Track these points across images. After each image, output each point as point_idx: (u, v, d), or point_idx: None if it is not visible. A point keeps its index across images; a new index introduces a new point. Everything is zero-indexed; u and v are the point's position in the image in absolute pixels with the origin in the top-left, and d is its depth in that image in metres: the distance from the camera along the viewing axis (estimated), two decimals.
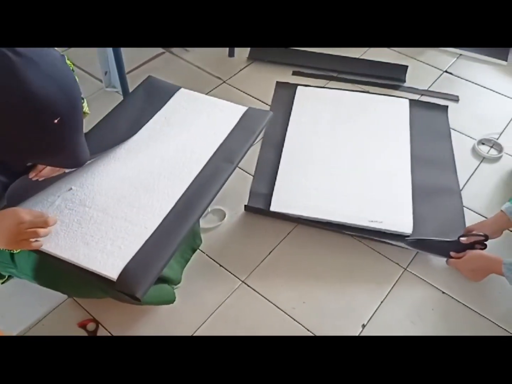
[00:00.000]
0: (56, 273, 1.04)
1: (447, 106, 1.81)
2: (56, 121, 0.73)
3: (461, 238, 1.31)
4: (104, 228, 1.01)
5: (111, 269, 0.94)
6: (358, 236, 1.39)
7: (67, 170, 1.05)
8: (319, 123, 1.68)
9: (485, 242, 1.29)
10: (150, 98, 1.32)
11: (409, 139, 1.64)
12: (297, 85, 1.83)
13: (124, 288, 0.92)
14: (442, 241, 1.35)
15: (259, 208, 1.43)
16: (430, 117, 1.76)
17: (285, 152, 1.58)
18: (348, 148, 1.60)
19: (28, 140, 0.75)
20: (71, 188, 1.08)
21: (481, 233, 1.29)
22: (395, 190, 1.48)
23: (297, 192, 1.45)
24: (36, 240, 0.90)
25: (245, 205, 1.43)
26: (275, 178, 1.49)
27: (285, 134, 1.64)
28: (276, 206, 1.41)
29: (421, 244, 1.36)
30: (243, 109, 1.30)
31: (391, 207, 1.42)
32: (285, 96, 1.79)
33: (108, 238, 0.99)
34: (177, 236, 1.01)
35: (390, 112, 1.74)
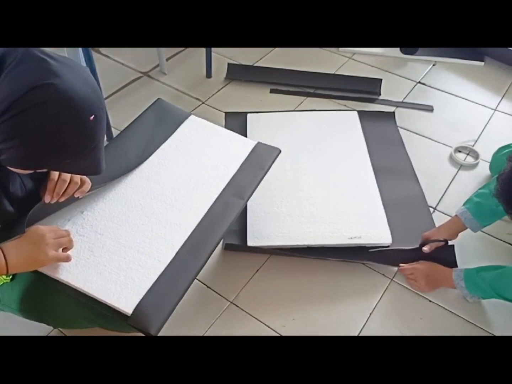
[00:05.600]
0: (42, 304, 1.01)
1: (393, 113, 1.85)
2: (91, 118, 0.76)
3: (424, 248, 1.33)
4: (116, 258, 0.99)
5: (126, 303, 0.92)
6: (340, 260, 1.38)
7: (80, 196, 1.02)
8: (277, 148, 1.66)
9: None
10: (160, 122, 1.30)
11: (367, 150, 1.65)
12: (246, 113, 1.79)
13: (138, 324, 0.91)
14: (406, 249, 1.36)
15: (237, 244, 1.39)
16: (379, 125, 1.79)
17: None
18: (311, 168, 1.58)
19: (66, 137, 0.76)
20: (82, 212, 1.06)
21: (441, 239, 1.32)
22: (366, 203, 1.48)
23: (271, 222, 1.41)
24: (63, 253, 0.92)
25: (225, 244, 1.39)
26: (246, 212, 1.43)
27: None
28: (252, 240, 1.37)
29: (384, 255, 1.37)
30: (252, 143, 1.31)
31: (367, 221, 1.42)
32: (236, 125, 1.74)
33: (121, 269, 0.97)
34: (191, 273, 1.00)
35: (342, 126, 1.75)
